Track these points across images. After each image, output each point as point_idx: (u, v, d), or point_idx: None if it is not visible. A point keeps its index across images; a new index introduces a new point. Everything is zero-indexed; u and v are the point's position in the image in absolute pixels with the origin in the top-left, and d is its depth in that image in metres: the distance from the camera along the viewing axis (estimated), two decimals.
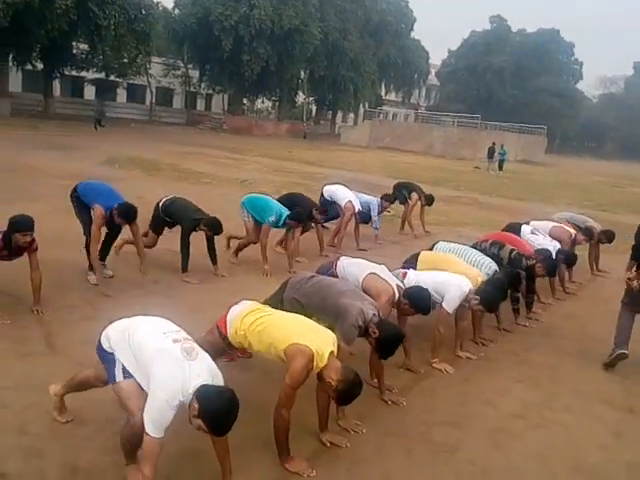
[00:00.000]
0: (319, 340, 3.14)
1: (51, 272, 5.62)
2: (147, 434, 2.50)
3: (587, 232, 7.66)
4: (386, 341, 3.64)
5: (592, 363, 5.12)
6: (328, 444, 3.38)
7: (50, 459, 2.99)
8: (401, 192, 10.26)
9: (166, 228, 6.60)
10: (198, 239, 6.39)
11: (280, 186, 13.74)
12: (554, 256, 6.56)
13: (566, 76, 69.38)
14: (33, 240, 4.69)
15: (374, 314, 3.76)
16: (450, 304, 4.56)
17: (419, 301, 4.18)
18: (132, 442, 2.69)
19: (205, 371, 2.66)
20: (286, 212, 6.95)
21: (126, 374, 2.80)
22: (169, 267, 6.42)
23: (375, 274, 4.43)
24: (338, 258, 4.91)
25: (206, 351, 2.88)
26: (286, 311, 3.81)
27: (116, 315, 3.16)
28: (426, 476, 3.22)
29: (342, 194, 8.65)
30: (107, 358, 2.88)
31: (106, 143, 21.11)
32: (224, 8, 36.79)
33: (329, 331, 3.28)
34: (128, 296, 5.35)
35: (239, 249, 7.19)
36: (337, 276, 4.59)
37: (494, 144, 31.21)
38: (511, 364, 4.94)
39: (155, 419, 2.50)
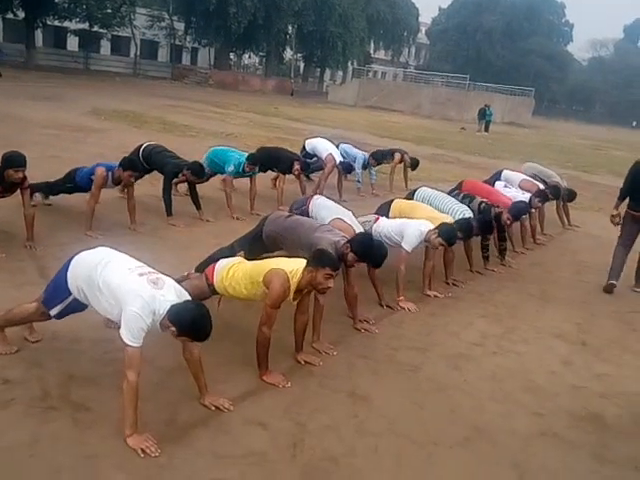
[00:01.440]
0: (291, 263, 3.50)
1: (43, 213, 5.88)
2: (127, 345, 2.79)
3: (554, 190, 7.94)
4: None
5: (552, 304, 5.53)
6: (303, 362, 3.74)
7: (48, 368, 3.31)
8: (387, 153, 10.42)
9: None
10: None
11: (265, 141, 13.87)
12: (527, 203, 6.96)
13: (556, 38, 68.98)
14: (25, 177, 4.91)
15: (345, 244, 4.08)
16: (408, 243, 4.88)
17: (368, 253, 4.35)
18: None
19: (172, 294, 2.92)
20: (244, 159, 7.19)
21: (63, 313, 3.23)
22: (156, 212, 6.65)
23: (340, 219, 4.76)
24: (312, 196, 5.22)
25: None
26: (263, 246, 4.17)
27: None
28: (389, 389, 3.59)
29: (323, 146, 8.89)
30: (61, 290, 3.16)
31: (91, 95, 20.95)
32: None
33: (301, 259, 3.59)
34: (116, 235, 5.60)
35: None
36: (309, 213, 4.92)
37: (486, 106, 31.23)
38: (476, 302, 5.32)
39: (131, 329, 2.77)
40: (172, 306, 2.82)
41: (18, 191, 4.99)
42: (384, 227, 5.11)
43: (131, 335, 2.78)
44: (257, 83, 43.58)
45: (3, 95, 17.06)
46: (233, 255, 4.24)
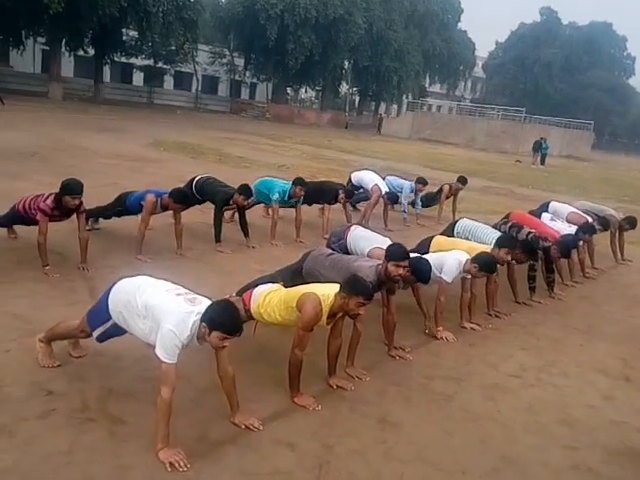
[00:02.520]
0: (324, 288, 3.58)
1: (96, 237, 6.18)
2: (162, 361, 2.90)
3: (603, 221, 7.78)
4: (418, 265, 4.18)
5: (598, 338, 5.38)
6: (335, 386, 3.78)
7: (90, 382, 3.47)
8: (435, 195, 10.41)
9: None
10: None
11: (316, 172, 14.13)
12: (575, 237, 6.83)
13: (617, 71, 67.56)
14: (81, 203, 5.19)
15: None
16: (448, 274, 4.87)
17: (419, 268, 4.46)
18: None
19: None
20: (288, 187, 7.35)
21: (103, 337, 3.41)
22: (204, 238, 6.87)
23: (379, 247, 4.81)
24: (350, 226, 5.30)
25: None
26: (303, 280, 4.27)
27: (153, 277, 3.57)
28: (420, 417, 3.58)
29: (369, 178, 9.06)
30: (102, 314, 3.33)
31: (153, 128, 21.84)
32: None
33: (334, 284, 3.65)
34: (164, 259, 5.82)
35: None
36: (347, 245, 5.00)
37: (541, 138, 30.84)
38: (518, 334, 5.23)
39: (166, 346, 2.89)
40: (203, 312, 2.94)
41: (74, 215, 5.29)
42: None
43: (165, 352, 2.90)
44: (312, 116, 44.42)
45: (71, 127, 18.02)
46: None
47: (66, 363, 3.65)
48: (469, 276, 5.01)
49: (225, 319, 2.89)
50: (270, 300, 3.76)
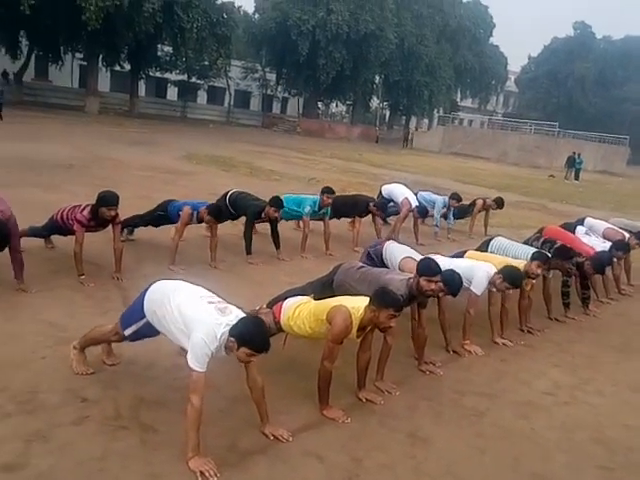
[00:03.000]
0: (354, 301, 3.58)
1: (130, 247, 6.29)
2: (192, 369, 2.94)
3: (639, 237, 7.61)
4: (449, 278, 4.15)
5: (634, 356, 5.24)
6: (364, 400, 3.76)
7: (122, 390, 3.52)
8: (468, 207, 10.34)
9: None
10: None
11: (346, 185, 14.16)
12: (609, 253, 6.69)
13: None
14: (117, 214, 5.30)
15: None
16: (478, 286, 4.81)
17: (450, 281, 4.43)
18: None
19: (236, 320, 3.06)
20: (318, 199, 7.45)
21: (136, 335, 3.46)
22: (234, 250, 6.93)
23: (412, 257, 4.79)
24: (387, 239, 5.30)
25: None
26: (333, 293, 4.27)
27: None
28: (451, 433, 3.53)
29: (399, 191, 9.04)
30: (137, 313, 3.40)
31: (186, 141, 22.19)
32: (302, 13, 37.64)
33: (364, 297, 3.64)
34: (196, 270, 5.88)
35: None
36: (382, 254, 4.99)
37: (575, 153, 30.46)
38: (552, 351, 5.14)
39: (197, 355, 2.92)
40: (233, 325, 2.96)
41: (109, 226, 5.40)
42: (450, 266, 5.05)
43: (196, 360, 2.93)
44: (343, 130, 44.62)
45: (106, 140, 18.43)
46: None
47: (100, 371, 3.71)
48: (494, 288, 4.95)
49: (254, 336, 2.91)
50: (300, 313, 3.77)
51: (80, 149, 15.04)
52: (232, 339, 2.92)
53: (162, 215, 6.48)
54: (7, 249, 4.74)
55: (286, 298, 4.11)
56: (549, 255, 5.48)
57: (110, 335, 3.62)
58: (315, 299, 4.15)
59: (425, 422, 3.62)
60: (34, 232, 5.80)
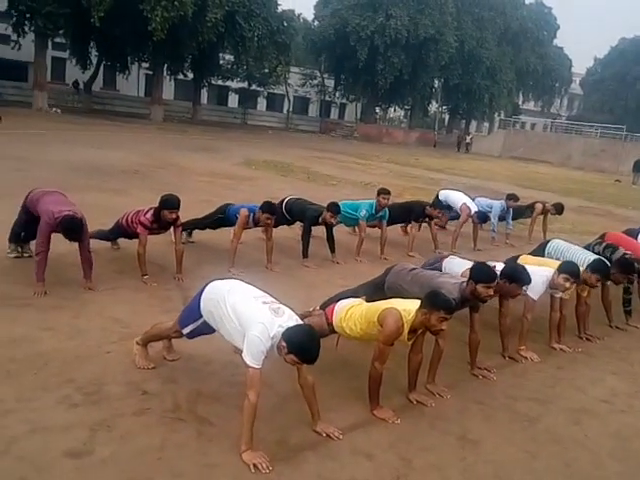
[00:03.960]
0: (406, 303, 3.61)
1: (190, 249, 6.52)
2: (248, 366, 3.05)
3: None
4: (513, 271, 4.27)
5: None
6: (415, 402, 3.79)
7: (181, 385, 3.68)
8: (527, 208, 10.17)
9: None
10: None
11: (402, 190, 14.13)
12: None
13: None
14: (178, 217, 5.52)
15: None
16: (534, 290, 4.74)
17: (516, 274, 4.41)
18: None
19: (291, 322, 3.15)
20: (374, 202, 7.54)
21: (194, 334, 3.60)
22: (290, 253, 7.07)
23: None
24: (448, 255, 5.31)
25: None
26: (384, 295, 4.31)
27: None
28: (502, 436, 3.52)
29: (457, 197, 9.00)
30: (194, 312, 3.54)
31: (245, 147, 22.67)
32: (361, 19, 37.83)
33: (416, 300, 3.68)
34: (254, 272, 6.04)
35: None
36: (441, 270, 4.97)
37: None
38: (610, 359, 5.01)
39: (253, 352, 3.04)
40: (288, 328, 3.06)
41: (171, 229, 5.63)
42: None
43: (252, 357, 3.05)
44: (400, 135, 44.50)
45: (170, 146, 19.06)
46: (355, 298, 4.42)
47: (160, 365, 3.89)
48: (558, 294, 4.87)
49: (304, 347, 3.00)
50: (352, 314, 3.84)
51: (145, 155, 15.62)
52: (284, 343, 3.03)
53: (221, 218, 6.69)
54: (78, 249, 5.04)
55: (339, 300, 4.19)
56: (608, 266, 5.32)
57: (170, 332, 3.79)
58: (367, 301, 4.22)
59: (476, 425, 3.62)
60: (101, 235, 6.10)
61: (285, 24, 33.18)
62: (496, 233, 9.46)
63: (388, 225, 7.84)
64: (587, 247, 6.58)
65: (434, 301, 3.53)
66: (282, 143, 28.08)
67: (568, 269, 4.78)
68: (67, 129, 21.25)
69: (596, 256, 5.89)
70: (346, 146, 31.44)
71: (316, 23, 43.03)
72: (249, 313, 3.21)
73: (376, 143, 37.79)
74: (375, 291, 4.65)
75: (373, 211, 7.55)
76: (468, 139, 42.99)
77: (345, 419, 3.48)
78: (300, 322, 3.27)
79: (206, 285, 3.58)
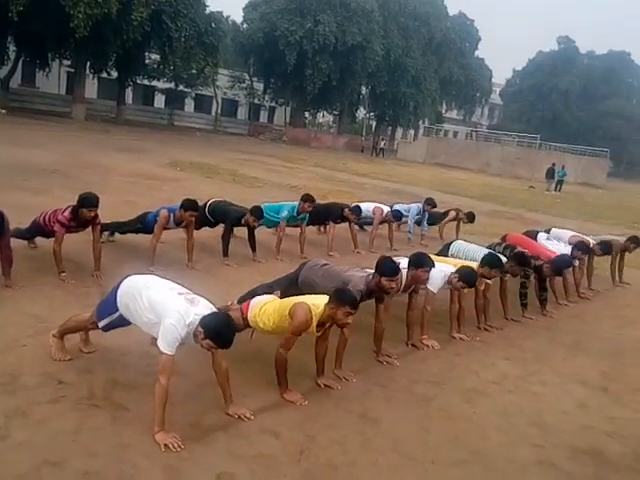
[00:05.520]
0: (315, 299, 3.92)
1: (110, 248, 6.58)
2: (162, 352, 3.24)
3: (604, 244, 8.03)
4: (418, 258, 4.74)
5: (583, 354, 5.60)
6: (322, 385, 4.08)
7: (97, 374, 3.81)
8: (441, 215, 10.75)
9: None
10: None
11: (327, 193, 14.50)
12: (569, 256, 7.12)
13: (636, 100, 67.73)
14: (97, 215, 5.59)
15: None
16: (433, 284, 5.17)
17: (421, 260, 4.90)
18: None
19: (206, 311, 3.36)
20: (296, 205, 7.81)
21: (109, 327, 3.77)
22: (212, 252, 7.23)
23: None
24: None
25: None
26: (298, 289, 4.65)
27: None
28: (399, 414, 3.87)
29: (368, 205, 9.40)
30: (110, 306, 3.70)
31: (172, 149, 22.46)
32: (290, 24, 38.18)
33: (324, 296, 3.97)
34: (174, 271, 6.14)
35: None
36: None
37: (554, 165, 31.22)
38: (504, 346, 5.49)
39: (167, 340, 3.23)
40: (204, 315, 3.28)
41: (90, 227, 5.69)
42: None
43: (166, 344, 3.24)
44: (329, 140, 45.11)
45: (93, 146, 18.67)
46: (270, 293, 4.68)
47: (77, 357, 4.00)
48: (452, 287, 5.31)
49: (220, 332, 3.22)
50: (265, 310, 4.09)
51: (66, 155, 15.27)
52: (201, 329, 3.23)
53: (140, 228, 6.75)
54: None
55: (254, 295, 4.44)
56: (500, 258, 5.83)
57: (87, 324, 3.91)
58: (281, 296, 4.49)
59: (377, 405, 3.94)
60: (18, 234, 6.04)
61: (213, 25, 32.95)
62: (412, 234, 9.97)
63: (308, 225, 8.14)
64: (489, 247, 7.10)
65: (341, 297, 3.84)
66: (210, 145, 27.97)
67: (464, 276, 5.22)
68: None
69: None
70: (275, 149, 31.64)
71: (245, 26, 43.01)
72: (165, 303, 3.40)
73: (305, 147, 38.19)
74: (289, 285, 4.93)
75: (295, 213, 7.81)
76: (382, 144, 43.75)
77: (256, 402, 3.72)
78: (215, 310, 3.48)
79: (123, 279, 3.73)
